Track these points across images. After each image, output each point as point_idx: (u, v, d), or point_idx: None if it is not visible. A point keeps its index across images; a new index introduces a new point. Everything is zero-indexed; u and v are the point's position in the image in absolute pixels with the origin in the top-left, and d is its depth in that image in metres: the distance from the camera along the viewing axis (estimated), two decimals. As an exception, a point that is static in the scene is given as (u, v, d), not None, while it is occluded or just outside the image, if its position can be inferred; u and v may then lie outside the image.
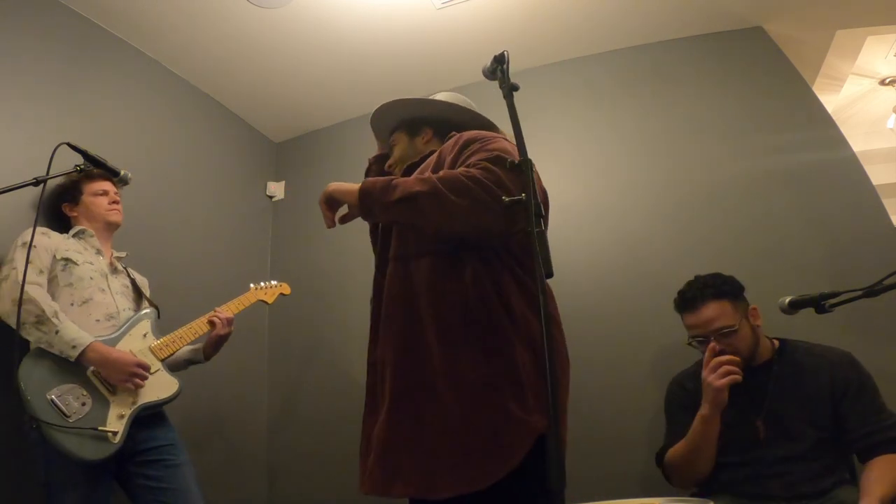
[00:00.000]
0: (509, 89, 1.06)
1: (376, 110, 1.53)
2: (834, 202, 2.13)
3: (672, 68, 2.57)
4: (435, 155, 1.34)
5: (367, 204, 1.18)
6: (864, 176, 2.15)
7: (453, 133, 1.37)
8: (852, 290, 1.23)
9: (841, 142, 2.22)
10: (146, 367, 1.60)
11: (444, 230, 1.16)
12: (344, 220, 1.31)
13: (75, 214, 1.81)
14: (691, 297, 1.61)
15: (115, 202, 1.85)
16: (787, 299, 1.43)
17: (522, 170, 0.93)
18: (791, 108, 2.32)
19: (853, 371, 1.51)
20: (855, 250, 2.03)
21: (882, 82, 3.10)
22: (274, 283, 2.19)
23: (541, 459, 1.03)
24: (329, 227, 1.30)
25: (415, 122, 1.51)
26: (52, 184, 1.67)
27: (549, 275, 0.83)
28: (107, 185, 1.85)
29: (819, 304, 1.29)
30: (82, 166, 1.49)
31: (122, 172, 1.56)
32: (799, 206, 2.17)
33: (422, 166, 1.35)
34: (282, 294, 2.21)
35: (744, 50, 2.49)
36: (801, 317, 1.52)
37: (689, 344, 1.64)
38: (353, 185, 1.23)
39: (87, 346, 1.50)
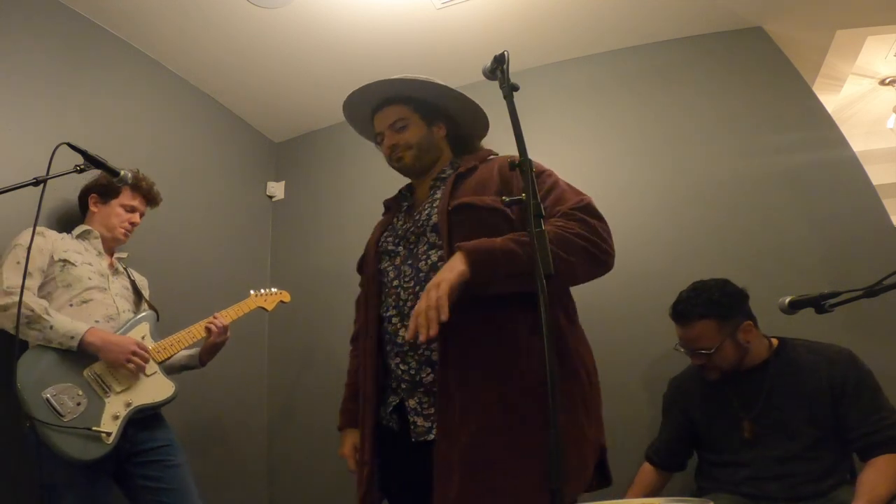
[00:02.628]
0: (509, 89, 1.05)
1: (393, 79, 1.37)
2: (834, 202, 2.13)
3: (672, 69, 2.56)
4: (492, 172, 1.28)
5: (482, 281, 1.09)
6: (864, 176, 2.15)
7: (493, 154, 1.39)
8: (852, 290, 1.23)
9: (841, 142, 2.22)
10: (146, 350, 1.60)
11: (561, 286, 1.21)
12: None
13: (95, 210, 1.82)
14: (682, 311, 1.65)
15: (132, 223, 1.85)
16: (787, 299, 1.44)
17: (522, 171, 0.92)
18: (791, 108, 2.32)
19: (852, 368, 1.51)
20: (855, 250, 2.03)
21: (882, 82, 3.10)
22: (274, 290, 2.20)
23: (601, 473, 1.17)
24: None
25: (432, 108, 1.40)
26: (65, 178, 1.66)
27: (549, 274, 0.83)
28: (138, 203, 1.86)
29: (819, 304, 1.29)
30: (82, 166, 1.49)
31: (122, 173, 1.56)
32: (799, 206, 2.17)
33: (475, 179, 1.29)
34: (281, 302, 2.22)
35: (744, 50, 2.49)
36: (801, 317, 1.52)
37: (675, 348, 1.70)
38: (456, 266, 1.08)
39: (86, 332, 1.51)
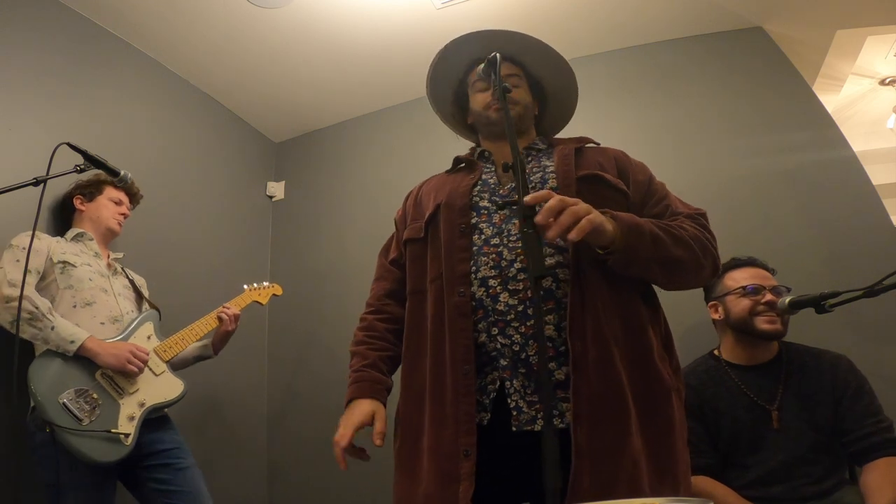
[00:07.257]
0: (502, 92, 1.06)
1: (530, 38, 1.39)
2: (834, 202, 2.13)
3: (671, 69, 2.56)
4: (608, 156, 1.26)
5: (630, 256, 1.02)
6: (864, 176, 2.14)
7: (583, 139, 1.31)
8: (852, 290, 1.23)
9: (841, 142, 2.22)
10: (144, 352, 1.62)
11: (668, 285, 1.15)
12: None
13: (83, 209, 1.83)
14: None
15: (123, 214, 1.91)
16: (787, 299, 1.44)
17: (515, 171, 0.92)
18: (791, 108, 2.32)
19: (852, 374, 1.52)
20: (855, 250, 2.02)
21: (882, 82, 3.09)
22: (266, 284, 2.23)
23: None
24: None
25: (538, 87, 1.39)
26: (64, 178, 1.67)
27: (542, 275, 0.83)
28: (124, 197, 1.91)
29: (819, 304, 1.30)
30: (82, 166, 1.49)
31: (122, 173, 1.56)
32: (799, 206, 2.17)
33: (592, 157, 1.24)
34: (274, 295, 2.25)
35: (744, 50, 2.49)
36: (801, 317, 1.52)
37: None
38: (606, 224, 0.99)
39: (86, 338, 1.52)
